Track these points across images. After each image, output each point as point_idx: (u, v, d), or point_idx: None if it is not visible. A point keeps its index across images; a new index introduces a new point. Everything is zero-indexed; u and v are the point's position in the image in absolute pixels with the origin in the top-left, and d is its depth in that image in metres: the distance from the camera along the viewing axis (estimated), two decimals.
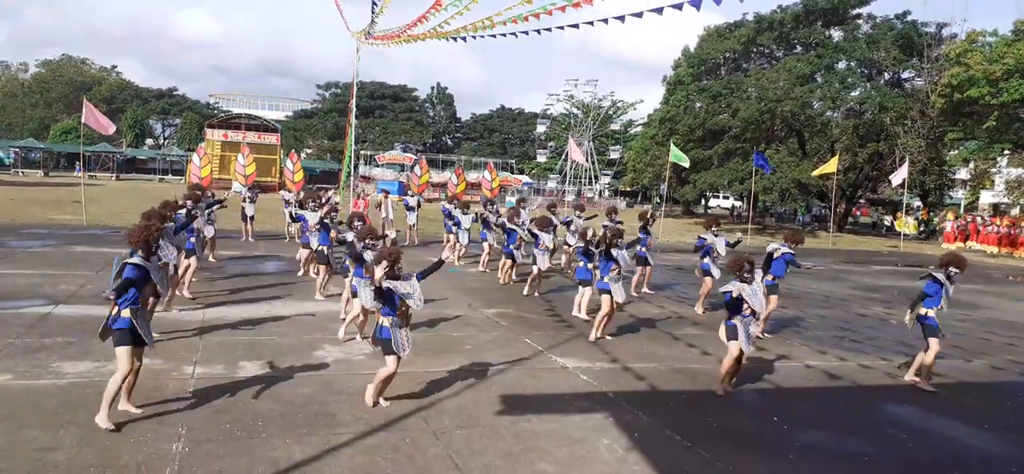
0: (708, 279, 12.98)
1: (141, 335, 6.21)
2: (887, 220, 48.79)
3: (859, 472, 6.29)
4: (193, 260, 11.40)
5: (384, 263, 6.75)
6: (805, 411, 7.98)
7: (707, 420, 7.32)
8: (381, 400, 7.09)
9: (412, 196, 23.01)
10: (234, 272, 14.26)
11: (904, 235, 38.01)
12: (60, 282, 12.26)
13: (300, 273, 14.38)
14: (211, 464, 5.51)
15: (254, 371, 7.92)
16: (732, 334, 8.02)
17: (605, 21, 10.54)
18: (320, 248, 12.39)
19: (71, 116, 65.71)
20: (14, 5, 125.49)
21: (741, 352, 8.03)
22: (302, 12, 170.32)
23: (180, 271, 10.72)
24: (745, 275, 8.02)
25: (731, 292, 7.98)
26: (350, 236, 10.10)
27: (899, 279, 20.87)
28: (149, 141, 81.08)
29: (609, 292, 10.26)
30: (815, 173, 33.38)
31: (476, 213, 17.82)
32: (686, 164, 33.73)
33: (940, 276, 8.90)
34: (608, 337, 10.55)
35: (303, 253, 14.61)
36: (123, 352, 6.13)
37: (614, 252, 10.37)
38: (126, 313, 6.16)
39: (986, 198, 50.69)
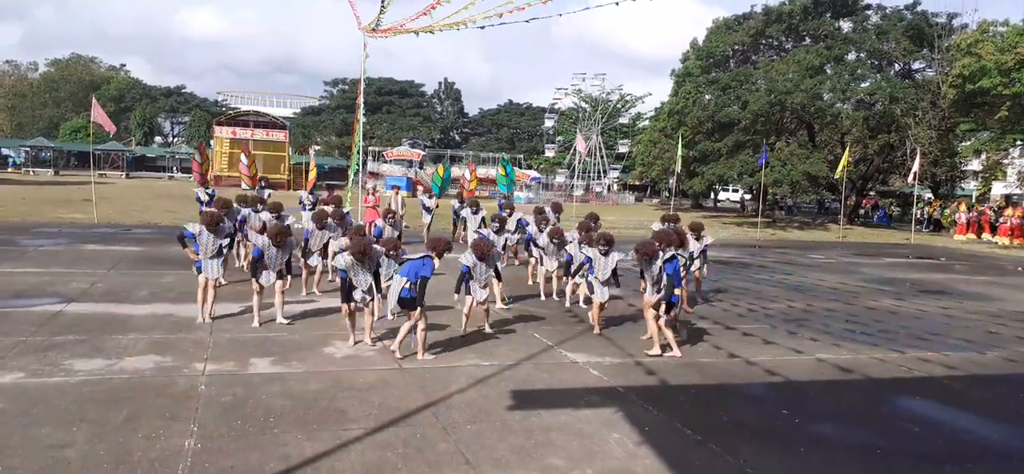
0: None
1: (201, 267, 9.77)
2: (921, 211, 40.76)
3: (870, 464, 6.25)
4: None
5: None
6: (816, 404, 7.95)
7: (718, 414, 7.30)
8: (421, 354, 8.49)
9: (429, 198, 22.11)
10: (244, 268, 14.26)
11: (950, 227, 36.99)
12: (71, 280, 12.33)
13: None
14: (223, 460, 5.53)
15: (264, 368, 7.95)
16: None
17: (616, 2, 10.50)
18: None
19: (80, 115, 66.03)
20: (24, 6, 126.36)
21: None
22: (308, 8, 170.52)
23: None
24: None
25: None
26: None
27: (911, 271, 20.75)
28: (158, 139, 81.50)
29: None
30: (838, 173, 32.57)
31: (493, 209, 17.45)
32: (679, 165, 33.87)
33: None
34: (599, 329, 10.63)
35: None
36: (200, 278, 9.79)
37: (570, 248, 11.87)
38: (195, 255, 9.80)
39: (998, 189, 50.26)
